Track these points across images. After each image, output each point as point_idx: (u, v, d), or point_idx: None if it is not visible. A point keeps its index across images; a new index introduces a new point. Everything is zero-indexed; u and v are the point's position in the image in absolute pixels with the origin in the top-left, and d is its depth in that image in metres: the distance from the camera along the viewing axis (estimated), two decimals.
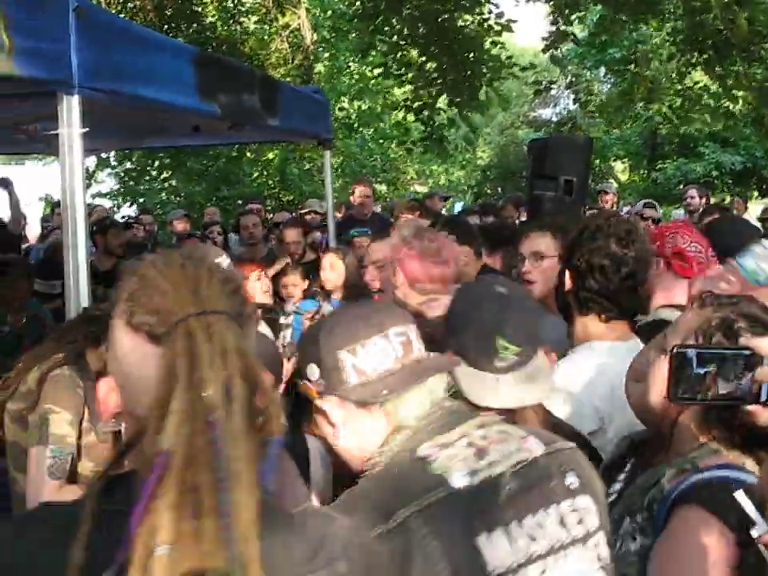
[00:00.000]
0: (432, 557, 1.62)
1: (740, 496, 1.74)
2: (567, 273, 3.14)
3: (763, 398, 1.83)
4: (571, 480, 1.87)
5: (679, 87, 12.14)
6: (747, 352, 1.85)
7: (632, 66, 12.59)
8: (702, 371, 1.88)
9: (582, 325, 3.16)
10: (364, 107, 21.12)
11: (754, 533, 1.63)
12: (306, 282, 6.34)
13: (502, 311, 2.28)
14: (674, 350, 1.90)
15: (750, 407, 1.88)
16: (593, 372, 3.00)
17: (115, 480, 1.32)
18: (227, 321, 1.28)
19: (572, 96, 14.55)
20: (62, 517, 1.32)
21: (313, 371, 1.91)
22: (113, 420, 1.42)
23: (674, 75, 12.95)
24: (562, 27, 11.86)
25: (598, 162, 10.85)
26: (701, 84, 12.08)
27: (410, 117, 12.86)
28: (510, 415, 2.17)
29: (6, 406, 3.17)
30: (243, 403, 1.24)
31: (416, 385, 1.87)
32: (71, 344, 3.18)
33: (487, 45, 12.02)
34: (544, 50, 12.41)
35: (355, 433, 1.90)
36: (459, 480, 1.73)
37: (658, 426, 2.16)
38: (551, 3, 11.89)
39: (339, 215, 10.47)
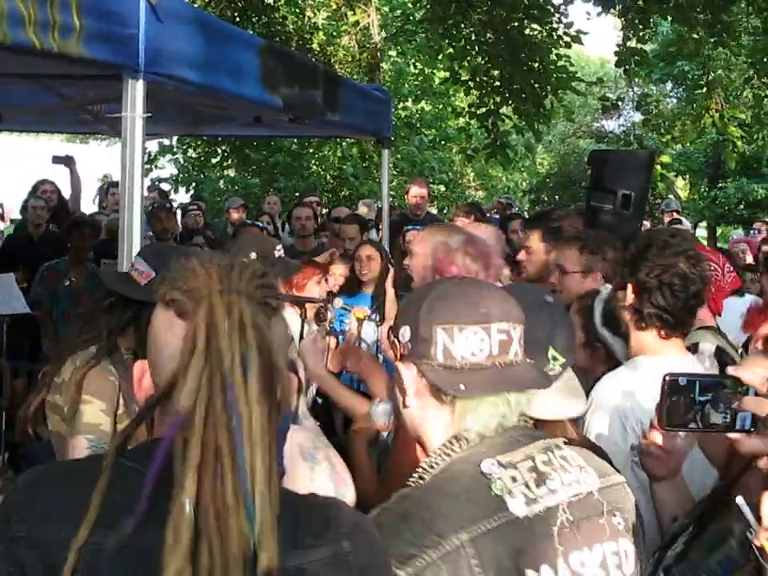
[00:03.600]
0: None
1: (740, 500, 1.72)
2: (630, 287, 3.09)
3: (746, 426, 1.82)
4: (618, 521, 1.83)
5: (755, 109, 11.87)
6: (733, 381, 1.84)
7: (703, 87, 12.34)
8: (693, 399, 1.88)
9: (639, 340, 3.12)
10: (427, 108, 21.11)
11: (749, 535, 1.61)
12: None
13: (553, 320, 2.28)
14: (666, 378, 1.89)
15: (733, 435, 1.85)
16: (636, 388, 2.97)
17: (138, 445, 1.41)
18: (248, 302, 1.36)
19: (637, 111, 14.35)
20: (81, 469, 1.41)
21: (405, 332, 1.86)
22: (146, 403, 1.47)
23: (747, 96, 12.73)
24: (634, 45, 11.70)
25: (659, 177, 10.78)
26: None
27: (474, 123, 12.80)
28: (551, 428, 2.16)
29: (46, 398, 3.21)
30: (259, 374, 1.31)
31: (495, 393, 1.81)
32: (100, 333, 3.21)
33: (553, 56, 11.92)
34: (617, 65, 12.28)
35: (421, 409, 1.86)
36: (518, 507, 1.69)
37: (723, 475, 2.12)
38: (624, 18, 11.74)
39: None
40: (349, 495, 2.75)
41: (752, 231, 10.98)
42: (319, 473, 2.85)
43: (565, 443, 1.89)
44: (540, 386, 1.91)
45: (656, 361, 3.00)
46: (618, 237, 4.57)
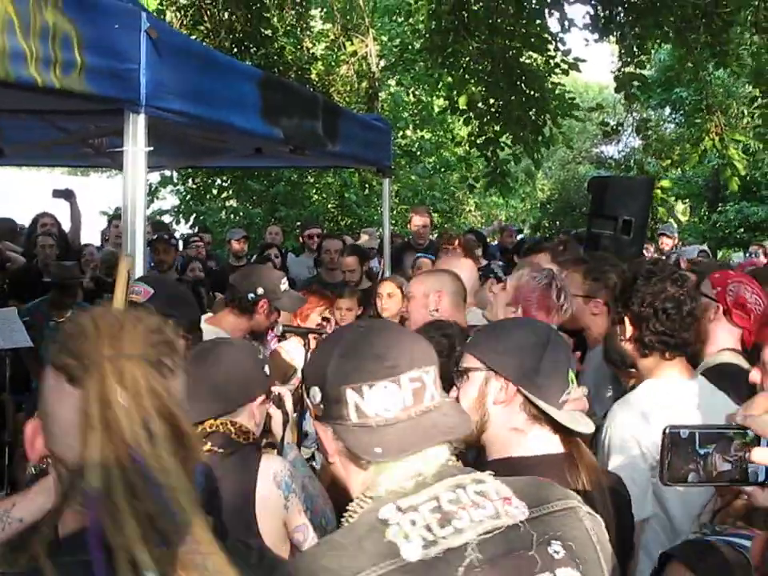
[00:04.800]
0: None
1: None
2: (626, 320, 3.21)
3: (761, 478, 1.78)
4: (555, 549, 1.72)
5: (760, 131, 11.88)
6: (742, 431, 1.80)
7: (703, 111, 12.38)
8: (697, 452, 1.83)
9: (645, 366, 3.23)
10: (427, 136, 21.20)
11: None
12: (361, 309, 6.38)
13: (566, 344, 2.36)
14: (666, 430, 1.85)
15: (747, 488, 1.83)
16: (649, 411, 3.06)
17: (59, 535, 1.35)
18: (141, 365, 1.30)
19: (636, 136, 14.39)
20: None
21: (315, 394, 1.80)
22: (41, 462, 1.43)
23: (750, 119, 12.75)
24: (632, 69, 11.77)
25: (659, 201, 10.78)
26: None
27: (474, 152, 12.85)
28: (571, 453, 2.25)
29: None
30: (165, 438, 1.27)
31: (413, 453, 1.73)
32: None
33: (550, 84, 11.99)
34: (616, 90, 12.34)
35: (342, 467, 1.82)
36: (412, 552, 1.59)
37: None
38: (621, 45, 11.82)
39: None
40: (329, 524, 2.80)
41: (749, 254, 11.00)
42: (294, 501, 2.88)
43: (491, 475, 1.78)
44: (460, 432, 1.82)
45: (666, 382, 3.14)
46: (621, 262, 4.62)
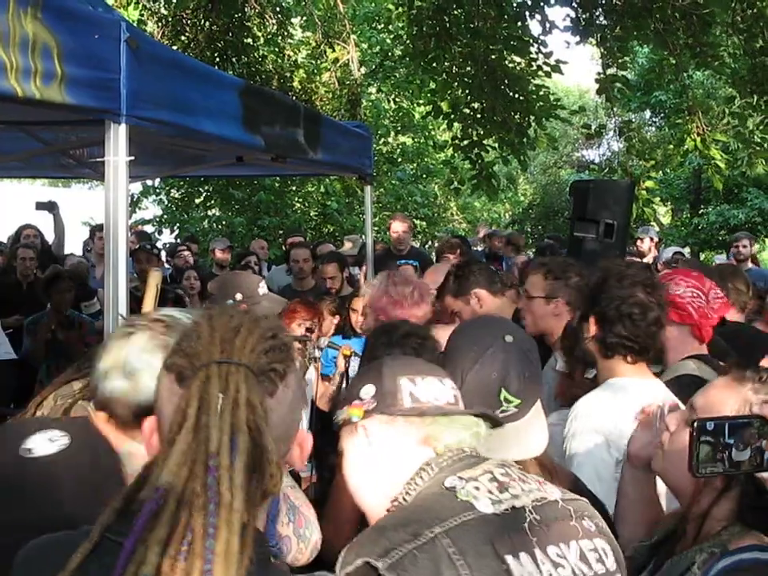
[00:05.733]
0: (461, 574, 1.65)
1: None
2: (591, 319, 3.23)
3: None
4: (589, 524, 1.90)
5: (739, 130, 11.93)
6: (761, 421, 1.84)
7: (684, 113, 12.41)
8: (720, 443, 1.87)
9: (607, 367, 3.25)
10: (409, 143, 21.23)
11: None
12: (337, 318, 6.35)
13: (507, 362, 2.29)
14: (695, 423, 1.89)
15: (766, 475, 1.86)
16: (615, 406, 3.07)
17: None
18: (247, 374, 1.31)
19: (618, 139, 14.44)
20: (74, 543, 1.34)
21: (368, 390, 1.96)
22: None
23: (729, 119, 12.78)
24: (613, 71, 11.81)
25: (640, 204, 10.78)
26: (761, 128, 11.86)
27: (459, 155, 12.88)
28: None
29: None
30: (246, 459, 1.26)
31: (465, 415, 1.96)
32: (87, 374, 3.18)
33: (533, 87, 12.01)
34: (598, 92, 12.38)
35: (385, 463, 1.91)
36: (486, 506, 1.78)
37: (690, 504, 2.13)
38: (602, 47, 11.85)
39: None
40: (314, 535, 2.76)
41: (731, 256, 11.04)
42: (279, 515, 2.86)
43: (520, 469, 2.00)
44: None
45: (629, 381, 3.16)
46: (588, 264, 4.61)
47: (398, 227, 9.50)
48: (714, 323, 3.75)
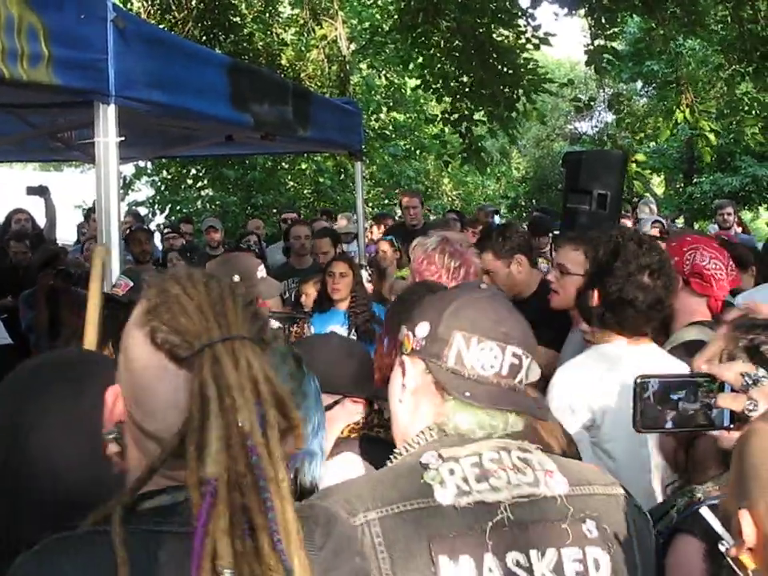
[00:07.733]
0: (380, 567, 1.61)
1: (705, 512, 1.75)
2: (596, 291, 3.23)
3: (725, 423, 1.83)
4: (588, 528, 1.75)
5: (727, 98, 11.93)
6: (708, 378, 1.85)
7: (673, 83, 12.39)
8: (665, 400, 1.88)
9: (602, 335, 3.27)
10: (400, 118, 21.15)
11: (722, 547, 1.62)
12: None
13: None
14: (637, 380, 1.90)
15: (715, 433, 1.88)
16: (595, 370, 3.15)
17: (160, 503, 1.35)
18: (252, 347, 1.29)
19: (609, 111, 14.40)
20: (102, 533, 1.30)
21: (423, 328, 1.85)
22: (114, 428, 1.41)
23: (719, 86, 12.77)
24: (602, 42, 11.77)
25: (634, 175, 10.75)
26: (750, 95, 11.85)
27: (448, 129, 12.84)
28: (534, 427, 2.17)
29: None
30: (277, 428, 1.26)
31: (495, 408, 1.80)
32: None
33: (522, 59, 11.98)
34: (587, 64, 12.35)
35: (413, 404, 1.87)
36: (446, 496, 1.68)
37: (674, 464, 2.15)
38: (591, 18, 11.81)
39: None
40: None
41: (718, 217, 11.11)
42: None
43: (538, 449, 1.86)
44: (538, 415, 1.96)
45: (614, 347, 3.20)
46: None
47: (407, 202, 9.47)
48: (726, 294, 3.77)
